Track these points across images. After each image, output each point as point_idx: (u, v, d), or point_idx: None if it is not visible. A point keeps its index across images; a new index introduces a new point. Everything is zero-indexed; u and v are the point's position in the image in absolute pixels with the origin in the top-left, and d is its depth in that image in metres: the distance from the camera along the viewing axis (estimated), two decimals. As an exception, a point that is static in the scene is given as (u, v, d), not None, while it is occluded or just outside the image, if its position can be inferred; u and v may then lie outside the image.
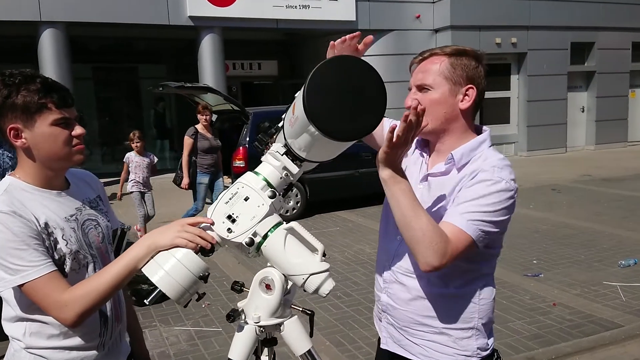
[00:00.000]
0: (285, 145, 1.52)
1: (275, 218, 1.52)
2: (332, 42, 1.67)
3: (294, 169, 1.54)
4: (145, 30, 12.16)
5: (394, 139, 1.35)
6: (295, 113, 1.41)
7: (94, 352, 1.58)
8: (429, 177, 1.62)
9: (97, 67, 13.92)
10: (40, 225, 1.45)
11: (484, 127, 1.66)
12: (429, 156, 1.67)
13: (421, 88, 1.57)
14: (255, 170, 1.56)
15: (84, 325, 1.51)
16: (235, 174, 7.55)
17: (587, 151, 15.64)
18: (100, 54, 13.76)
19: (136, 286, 4.71)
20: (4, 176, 2.98)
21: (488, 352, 1.63)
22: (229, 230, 1.47)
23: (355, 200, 8.58)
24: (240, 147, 7.30)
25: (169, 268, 1.42)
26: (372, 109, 1.37)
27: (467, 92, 1.55)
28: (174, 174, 7.20)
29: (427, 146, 1.70)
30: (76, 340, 1.55)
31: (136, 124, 14.37)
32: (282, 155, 1.53)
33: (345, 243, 6.69)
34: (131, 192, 6.72)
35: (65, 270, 1.50)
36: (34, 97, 1.44)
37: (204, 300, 4.74)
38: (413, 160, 1.71)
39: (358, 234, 7.11)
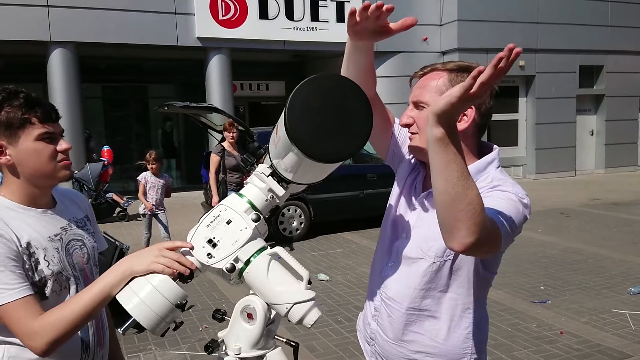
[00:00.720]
0: (271, 166, 1.46)
1: (258, 243, 1.44)
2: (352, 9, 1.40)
3: (280, 191, 1.47)
4: (155, 50, 12.28)
5: (476, 87, 1.11)
6: (279, 133, 1.35)
7: None
8: (428, 196, 1.51)
9: (106, 86, 14.05)
10: (21, 246, 1.42)
11: (494, 146, 1.55)
12: (425, 174, 1.56)
13: (417, 105, 1.48)
14: (240, 192, 1.49)
15: (64, 351, 1.45)
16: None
17: (596, 175, 15.47)
18: (110, 74, 13.91)
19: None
20: None
21: None
22: (209, 255, 1.40)
23: (359, 222, 8.48)
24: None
25: (144, 295, 1.34)
26: (358, 128, 1.30)
27: (465, 113, 1.44)
28: (182, 192, 7.12)
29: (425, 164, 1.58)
30: (60, 354, 1.46)
31: (144, 142, 14.45)
32: (267, 176, 1.47)
33: (348, 265, 6.58)
34: (143, 214, 6.59)
35: (46, 292, 1.46)
36: (17, 113, 1.43)
37: (202, 323, 4.64)
38: (412, 179, 1.62)
39: (362, 256, 7.00)
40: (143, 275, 1.37)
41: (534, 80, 14.71)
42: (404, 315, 1.49)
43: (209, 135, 9.02)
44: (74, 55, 11.13)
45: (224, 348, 1.47)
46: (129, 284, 1.37)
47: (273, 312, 1.45)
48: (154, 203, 6.48)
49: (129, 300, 1.35)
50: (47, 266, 1.47)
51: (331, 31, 12.90)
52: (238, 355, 1.44)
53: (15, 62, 12.49)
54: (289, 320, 1.42)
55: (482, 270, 1.44)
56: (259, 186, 1.47)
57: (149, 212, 6.46)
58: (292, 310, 1.38)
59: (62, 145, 1.51)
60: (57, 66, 10.95)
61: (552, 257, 6.75)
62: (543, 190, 12.43)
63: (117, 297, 1.37)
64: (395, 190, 1.66)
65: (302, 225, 7.93)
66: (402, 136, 1.68)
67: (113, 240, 4.89)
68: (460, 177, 1.18)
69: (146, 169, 6.57)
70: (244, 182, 1.53)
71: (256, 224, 1.43)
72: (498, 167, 1.49)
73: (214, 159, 6.64)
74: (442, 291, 1.46)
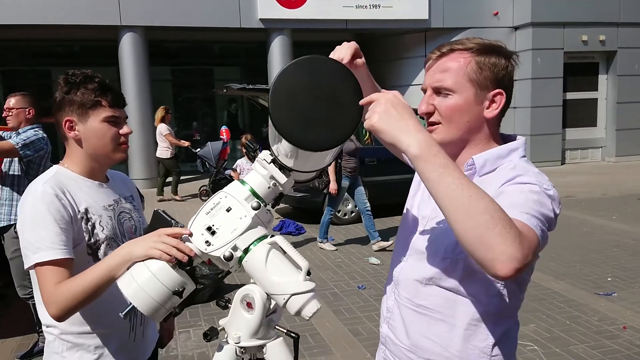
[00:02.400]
0: (272, 152, 1.41)
1: (258, 231, 1.40)
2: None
3: (282, 178, 1.41)
4: (219, 33, 12.49)
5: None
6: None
7: (125, 338, 1.67)
8: None
9: (174, 69, 14.48)
10: (79, 211, 1.58)
11: (518, 136, 1.40)
12: None
13: (439, 91, 1.30)
14: (243, 179, 1.46)
15: (114, 308, 1.52)
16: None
17: (684, 157, 14.28)
18: (178, 57, 14.32)
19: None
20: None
21: None
22: (208, 242, 1.37)
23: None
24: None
25: (142, 282, 1.35)
26: (347, 114, 1.22)
27: (494, 98, 1.29)
28: None
29: None
30: (108, 326, 1.61)
31: (211, 124, 14.83)
32: (269, 163, 1.42)
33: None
34: None
35: (99, 254, 1.60)
36: (91, 95, 1.60)
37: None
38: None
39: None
40: (142, 261, 1.37)
41: (615, 56, 13.71)
42: (414, 315, 1.38)
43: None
44: (144, 39, 11.53)
45: (225, 336, 1.45)
46: (129, 269, 1.38)
47: (273, 302, 1.41)
48: None
49: (128, 286, 1.35)
50: (102, 231, 1.62)
51: (395, 8, 12.58)
52: (237, 344, 1.42)
53: (90, 47, 13.14)
54: (291, 312, 1.38)
55: (509, 281, 1.25)
56: (261, 173, 1.42)
57: None
58: (290, 301, 1.34)
59: (125, 129, 1.67)
60: (128, 50, 11.39)
61: (624, 247, 6.31)
62: (622, 174, 11.64)
63: (117, 282, 1.38)
64: (416, 180, 1.54)
65: (356, 208, 7.84)
66: None
67: (169, 219, 5.07)
68: (462, 186, 1.02)
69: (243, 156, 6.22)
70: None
71: (256, 211, 1.39)
72: (523, 157, 1.33)
73: None
74: (456, 293, 1.30)
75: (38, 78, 13.32)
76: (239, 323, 1.43)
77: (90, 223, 1.60)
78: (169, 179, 10.06)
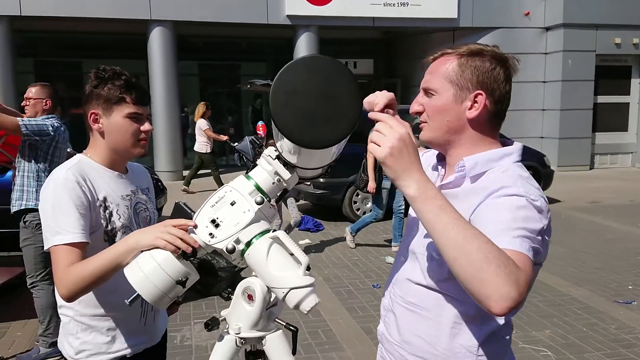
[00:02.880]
0: (277, 149, 1.44)
1: (261, 225, 1.43)
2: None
3: (286, 174, 1.44)
4: (247, 29, 12.59)
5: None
6: None
7: (136, 322, 1.75)
8: (441, 190, 1.37)
9: (202, 64, 14.64)
10: (98, 199, 1.66)
11: (515, 142, 1.41)
12: (445, 171, 1.46)
13: (427, 92, 1.36)
14: (248, 174, 1.49)
15: (126, 293, 1.55)
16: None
17: None
18: (205, 52, 14.48)
19: (204, 276, 4.87)
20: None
21: None
22: (211, 235, 1.41)
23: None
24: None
25: (148, 271, 1.39)
26: (346, 112, 1.24)
27: (475, 99, 1.30)
28: None
29: (444, 159, 1.47)
30: (121, 311, 1.68)
31: (237, 119, 14.97)
32: (273, 159, 1.45)
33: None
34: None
35: (115, 242, 1.65)
36: (116, 91, 1.67)
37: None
38: (428, 174, 1.51)
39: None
40: (148, 250, 1.42)
41: (649, 59, 13.36)
42: (405, 312, 1.40)
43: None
44: (172, 34, 11.69)
45: (226, 326, 1.49)
46: (136, 258, 1.43)
47: (273, 295, 1.45)
48: None
49: (134, 274, 1.40)
50: (119, 219, 1.70)
51: (423, 6, 12.48)
52: (238, 335, 1.46)
53: (120, 40, 13.38)
54: (290, 306, 1.41)
55: None
56: (266, 169, 1.46)
57: (293, 196, 5.96)
58: (289, 295, 1.37)
59: (146, 126, 1.74)
60: (157, 44, 11.57)
61: (648, 255, 6.18)
62: (652, 181, 11.35)
63: (124, 270, 1.43)
64: None
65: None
66: None
67: (190, 211, 5.16)
68: (456, 227, 1.06)
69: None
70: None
71: (260, 206, 1.42)
72: (516, 162, 1.33)
73: None
74: (442, 293, 1.32)
75: (69, 69, 13.64)
76: (239, 314, 1.46)
77: (108, 211, 1.68)
78: (200, 172, 10.20)
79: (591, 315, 4.44)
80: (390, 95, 1.40)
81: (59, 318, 1.78)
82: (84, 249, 1.57)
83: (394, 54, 15.44)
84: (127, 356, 1.73)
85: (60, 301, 1.69)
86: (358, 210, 7.80)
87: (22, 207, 3.49)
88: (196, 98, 14.55)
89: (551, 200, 9.54)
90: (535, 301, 4.76)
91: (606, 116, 13.81)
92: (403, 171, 1.13)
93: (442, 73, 1.33)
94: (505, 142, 1.41)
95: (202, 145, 9.83)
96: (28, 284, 3.62)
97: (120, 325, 1.72)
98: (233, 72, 15.20)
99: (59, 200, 1.58)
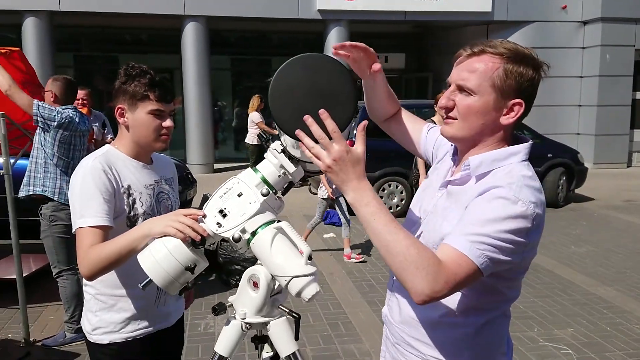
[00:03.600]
0: (282, 142, 1.50)
1: (266, 216, 1.50)
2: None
3: (291, 167, 1.50)
4: (278, 23, 12.68)
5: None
6: None
7: (151, 304, 1.86)
8: (448, 185, 1.42)
9: (234, 58, 14.82)
10: (123, 186, 1.77)
11: (528, 139, 1.40)
12: (456, 166, 1.47)
13: (462, 89, 1.32)
14: (256, 167, 1.55)
15: (144, 277, 1.65)
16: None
17: None
18: (237, 46, 14.64)
19: (229, 267, 4.99)
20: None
21: None
22: (219, 224, 1.49)
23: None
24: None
25: (159, 257, 1.48)
26: (341, 109, 1.28)
27: (513, 107, 1.30)
28: None
29: (457, 153, 1.50)
30: (137, 293, 1.79)
31: (267, 114, 15.11)
32: (279, 153, 1.51)
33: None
34: (324, 198, 5.92)
35: None
36: (141, 89, 1.77)
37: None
38: (442, 165, 1.54)
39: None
40: (160, 237, 1.50)
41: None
42: (405, 296, 1.46)
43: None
44: (205, 29, 11.88)
45: (233, 312, 1.57)
46: (149, 245, 1.52)
47: (277, 283, 1.51)
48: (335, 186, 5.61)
49: (146, 260, 1.49)
50: (141, 206, 1.81)
51: (457, 0, 12.31)
52: (244, 320, 1.53)
53: (155, 35, 13.67)
54: (292, 293, 1.47)
55: (486, 278, 1.28)
56: (272, 162, 1.52)
57: (330, 198, 5.85)
58: (291, 283, 1.43)
59: (167, 123, 1.83)
60: (190, 39, 11.78)
61: (682, 255, 6.00)
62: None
63: (137, 256, 1.51)
64: (430, 173, 1.61)
65: (402, 202, 7.84)
66: (432, 140, 1.65)
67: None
68: (383, 231, 1.21)
69: None
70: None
71: (265, 198, 1.48)
72: (523, 161, 1.33)
73: None
74: None
75: (107, 63, 14.01)
76: (245, 300, 1.53)
77: (131, 198, 1.79)
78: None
79: (616, 314, 4.36)
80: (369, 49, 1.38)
81: (82, 306, 1.89)
82: (107, 232, 1.68)
83: (426, 48, 15.29)
84: (140, 337, 1.83)
85: (84, 280, 1.82)
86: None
87: (29, 193, 3.64)
88: (228, 92, 14.78)
89: (584, 198, 9.33)
90: (561, 300, 4.71)
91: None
92: (342, 182, 1.26)
93: (484, 74, 1.29)
94: (520, 137, 1.41)
95: (253, 137, 10.00)
96: (54, 273, 3.76)
97: (136, 307, 1.82)
98: (264, 66, 15.33)
99: (86, 186, 1.70)
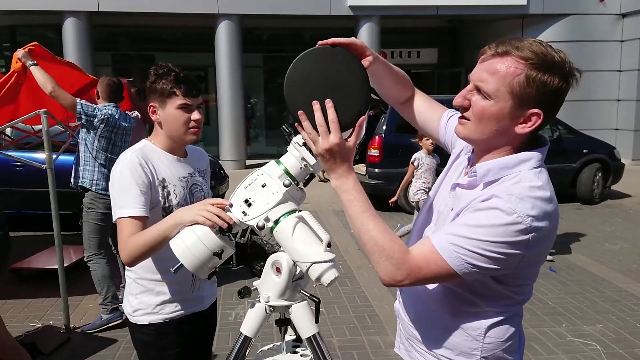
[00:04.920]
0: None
1: (288, 205, 1.58)
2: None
3: (312, 160, 1.57)
4: (309, 20, 12.77)
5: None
6: None
7: (187, 289, 1.98)
8: (457, 187, 1.40)
9: (266, 56, 15.00)
10: (158, 179, 1.88)
11: (547, 141, 1.33)
12: (469, 167, 1.42)
13: (479, 90, 1.25)
14: (279, 159, 1.64)
15: (180, 274, 1.80)
16: (369, 164, 7.62)
17: None
18: (269, 44, 14.81)
19: (260, 259, 5.13)
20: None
21: None
22: (244, 213, 1.57)
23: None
24: (376, 137, 7.31)
25: (189, 244, 1.58)
26: (353, 100, 1.34)
27: (530, 117, 1.23)
28: None
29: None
30: (174, 277, 1.87)
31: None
32: (301, 146, 1.58)
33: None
34: (416, 201, 5.62)
35: None
36: (168, 85, 1.88)
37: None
38: (459, 163, 1.52)
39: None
40: (190, 225, 1.61)
41: None
42: (412, 291, 1.48)
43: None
44: (238, 27, 12.07)
45: (257, 295, 1.66)
46: (179, 232, 1.62)
47: (299, 269, 1.60)
48: (427, 188, 5.47)
49: (178, 246, 1.59)
50: (175, 198, 1.92)
51: (489, -6, 12.16)
52: (267, 303, 1.63)
53: (189, 34, 13.95)
54: (312, 278, 1.56)
55: (494, 282, 1.28)
56: (294, 155, 1.59)
57: (422, 199, 5.45)
58: (311, 268, 1.51)
59: (195, 115, 1.92)
60: (223, 37, 11.99)
61: None
62: None
63: (170, 243, 1.62)
64: (443, 172, 1.59)
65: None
66: (452, 128, 1.56)
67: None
68: (357, 219, 1.31)
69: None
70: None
71: (287, 188, 1.57)
72: (536, 168, 1.26)
73: None
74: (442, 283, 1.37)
75: (143, 62, 14.37)
76: (268, 285, 1.62)
77: (166, 190, 1.90)
78: None
79: (651, 312, 4.30)
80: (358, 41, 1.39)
81: (115, 287, 2.03)
82: (144, 222, 1.80)
83: (459, 43, 15.13)
84: (176, 319, 1.95)
85: (126, 266, 1.95)
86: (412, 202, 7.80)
87: (80, 184, 3.99)
88: (260, 89, 14.97)
89: (621, 195, 9.13)
90: (591, 296, 4.66)
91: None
92: (329, 169, 1.35)
93: (503, 78, 1.21)
94: (539, 137, 1.34)
95: None
96: (85, 258, 4.00)
97: (173, 291, 1.94)
98: (296, 63, 15.45)
99: (124, 179, 1.82)
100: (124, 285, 4.66)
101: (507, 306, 1.35)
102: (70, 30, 11.51)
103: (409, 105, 1.69)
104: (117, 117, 3.96)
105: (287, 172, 1.59)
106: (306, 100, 1.37)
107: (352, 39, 1.39)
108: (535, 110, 1.22)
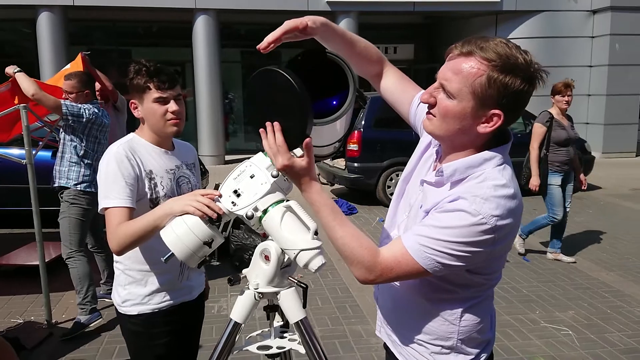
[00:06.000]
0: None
1: (276, 196, 1.64)
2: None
3: (299, 151, 1.65)
4: (287, 15, 12.58)
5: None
6: None
7: (174, 279, 2.01)
8: (424, 183, 1.44)
9: (244, 51, 14.96)
10: (145, 171, 1.92)
11: (511, 137, 1.37)
12: (436, 163, 1.46)
13: (444, 89, 1.28)
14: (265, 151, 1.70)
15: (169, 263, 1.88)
16: (349, 158, 7.72)
17: None
18: (247, 39, 14.78)
19: (241, 253, 5.17)
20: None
21: None
22: (233, 203, 1.63)
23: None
24: (355, 131, 7.40)
25: (180, 233, 1.63)
26: (296, 123, 1.41)
27: (492, 117, 1.26)
28: None
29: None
30: (162, 268, 1.95)
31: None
32: (288, 138, 1.65)
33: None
34: None
35: None
36: (142, 81, 1.92)
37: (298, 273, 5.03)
38: (429, 155, 1.53)
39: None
40: (180, 215, 1.66)
41: None
42: (393, 287, 1.53)
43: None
44: (216, 22, 12.02)
45: (246, 283, 1.72)
46: (170, 222, 1.67)
47: (286, 256, 1.66)
48: None
49: (168, 236, 1.64)
50: (162, 189, 1.96)
51: (464, -9, 12.34)
52: (256, 290, 1.69)
53: (166, 28, 13.83)
54: (300, 265, 1.62)
55: (466, 273, 1.35)
56: (281, 146, 1.67)
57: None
58: (299, 255, 1.57)
59: (171, 106, 1.94)
60: (201, 32, 11.92)
61: (686, 242, 6.09)
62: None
63: (160, 233, 1.67)
64: (414, 158, 1.62)
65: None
66: (421, 112, 1.56)
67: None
68: (326, 224, 1.39)
69: None
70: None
71: (275, 179, 1.63)
72: (500, 166, 1.31)
73: (539, 130, 5.19)
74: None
75: (120, 57, 14.21)
76: (257, 272, 1.69)
77: (153, 182, 1.94)
78: None
79: (617, 298, 4.48)
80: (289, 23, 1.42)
81: (94, 286, 2.05)
82: (131, 213, 1.84)
83: (435, 39, 15.31)
84: (165, 309, 2.00)
85: (114, 256, 1.99)
86: (391, 194, 7.93)
87: (55, 185, 3.94)
88: (238, 85, 14.92)
89: (591, 187, 9.39)
90: (564, 284, 4.83)
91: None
92: (297, 183, 1.46)
93: (466, 79, 1.24)
94: (506, 133, 1.37)
95: None
96: (64, 256, 3.90)
97: (161, 281, 1.99)
98: (274, 59, 15.43)
99: (111, 170, 1.86)
100: (104, 282, 4.62)
101: (479, 291, 1.42)
102: (44, 25, 11.32)
103: (380, 82, 1.69)
104: (101, 115, 3.96)
105: (273, 164, 1.66)
106: (261, 119, 1.45)
107: (284, 27, 1.41)
108: (496, 111, 1.25)
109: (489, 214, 1.22)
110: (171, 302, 2.01)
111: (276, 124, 1.40)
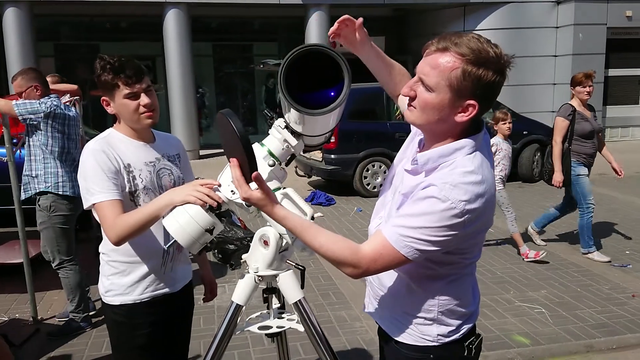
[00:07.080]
0: (285, 120, 1.73)
1: (273, 184, 1.74)
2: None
3: (293, 141, 1.74)
4: (259, 9, 12.76)
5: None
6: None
7: (157, 269, 2.03)
8: (405, 173, 1.55)
9: (215, 45, 14.88)
10: (123, 164, 1.92)
11: (483, 127, 1.47)
12: (418, 151, 1.55)
13: (423, 82, 1.39)
14: (262, 141, 1.79)
15: (151, 246, 1.97)
16: (326, 150, 7.82)
17: None
18: (219, 33, 14.70)
19: (223, 246, 5.23)
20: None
21: (452, 338, 1.55)
22: (233, 192, 1.72)
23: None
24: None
25: (182, 222, 1.70)
26: (245, 160, 1.50)
27: (467, 107, 1.37)
28: None
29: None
30: (145, 258, 2.00)
31: (251, 99, 15.24)
32: (282, 128, 1.74)
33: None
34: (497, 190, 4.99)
35: (139, 201, 1.96)
36: (109, 78, 1.90)
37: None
38: (414, 143, 1.62)
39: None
40: (181, 205, 1.73)
41: (662, 31, 13.27)
42: None
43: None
44: (187, 15, 11.91)
45: (246, 267, 1.82)
46: (172, 212, 1.75)
47: (284, 241, 1.76)
48: (505, 176, 5.23)
49: (171, 224, 1.72)
50: (141, 182, 1.96)
51: (433, -17, 12.52)
52: (256, 273, 1.79)
53: (136, 22, 13.66)
54: (297, 249, 1.73)
55: (444, 254, 1.44)
56: (276, 137, 1.75)
57: (502, 189, 5.20)
58: (296, 240, 1.68)
59: (143, 100, 1.93)
60: (172, 26, 11.79)
61: (649, 223, 6.40)
62: (662, 153, 11.42)
63: (163, 222, 1.74)
64: (403, 146, 1.72)
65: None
66: None
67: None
68: (300, 233, 1.46)
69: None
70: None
71: (272, 168, 1.73)
72: (470, 154, 1.41)
73: (562, 124, 5.07)
74: None
75: (88, 52, 13.98)
76: (257, 257, 1.78)
77: (131, 175, 1.94)
78: None
79: (587, 277, 4.71)
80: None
81: (86, 294, 2.04)
82: (121, 204, 1.87)
83: (405, 31, 15.50)
84: (146, 300, 2.02)
85: (101, 248, 2.04)
86: (368, 185, 8.09)
87: (35, 192, 3.66)
88: (210, 79, 14.85)
89: (559, 173, 9.72)
90: (535, 265, 5.04)
91: (617, 89, 13.82)
92: (265, 212, 1.53)
93: (442, 73, 1.34)
94: (480, 123, 1.47)
95: None
96: (54, 265, 3.77)
97: (143, 273, 2.00)
98: (246, 52, 15.41)
99: (89, 166, 1.87)
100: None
101: (456, 268, 1.52)
102: (10, 21, 11.04)
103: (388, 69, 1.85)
104: (62, 107, 3.67)
105: (270, 154, 1.75)
106: (228, 152, 1.58)
107: (344, 17, 1.67)
108: (472, 102, 1.36)
109: (457, 199, 1.32)
110: (153, 293, 2.03)
111: (234, 160, 1.52)
